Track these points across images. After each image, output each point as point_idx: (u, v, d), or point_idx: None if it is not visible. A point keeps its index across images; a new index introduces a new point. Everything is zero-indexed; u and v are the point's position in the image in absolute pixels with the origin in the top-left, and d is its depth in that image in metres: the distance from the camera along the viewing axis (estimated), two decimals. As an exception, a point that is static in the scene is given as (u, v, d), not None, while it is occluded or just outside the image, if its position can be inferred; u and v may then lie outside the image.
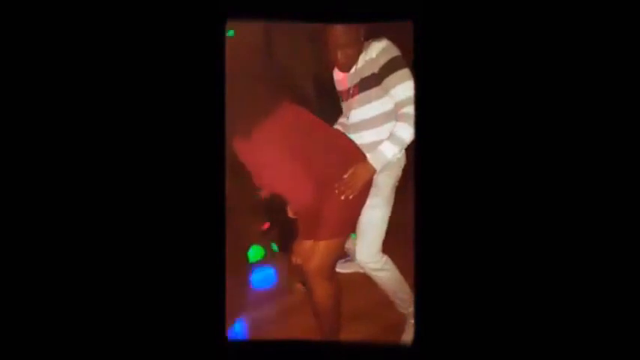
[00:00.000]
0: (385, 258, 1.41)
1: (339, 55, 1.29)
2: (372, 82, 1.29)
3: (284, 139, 1.25)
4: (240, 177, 1.30)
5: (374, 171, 1.28)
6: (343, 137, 1.37)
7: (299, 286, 1.85)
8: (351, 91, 1.37)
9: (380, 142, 1.29)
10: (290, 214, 1.47)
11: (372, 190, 1.35)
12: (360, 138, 1.37)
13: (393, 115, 1.30)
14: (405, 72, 1.24)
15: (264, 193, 1.40)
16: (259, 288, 2.03)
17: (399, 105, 1.26)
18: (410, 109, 1.22)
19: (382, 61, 1.25)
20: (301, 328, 1.59)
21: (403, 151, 1.31)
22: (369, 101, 1.32)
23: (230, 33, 1.03)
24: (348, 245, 1.59)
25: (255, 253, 2.26)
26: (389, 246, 1.41)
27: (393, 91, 1.26)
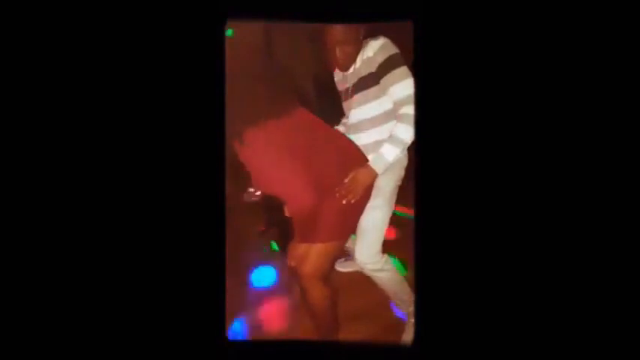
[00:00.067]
0: (385, 258, 1.40)
1: (338, 52, 1.28)
2: (370, 81, 1.28)
3: (285, 140, 1.24)
4: (240, 177, 1.30)
5: (375, 175, 1.27)
6: (344, 139, 1.36)
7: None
8: (349, 91, 1.35)
9: (380, 141, 1.27)
10: (287, 214, 1.46)
11: (374, 191, 1.33)
12: (360, 138, 1.35)
13: (392, 114, 1.28)
14: (404, 70, 1.22)
15: (255, 196, 1.39)
16: (259, 287, 2.03)
17: (397, 104, 1.24)
18: (409, 109, 1.20)
19: (380, 59, 1.23)
20: (301, 328, 1.59)
21: (405, 151, 1.29)
22: (367, 101, 1.31)
23: (229, 33, 1.03)
24: (348, 244, 1.58)
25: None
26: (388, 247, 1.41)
27: (391, 90, 1.24)
